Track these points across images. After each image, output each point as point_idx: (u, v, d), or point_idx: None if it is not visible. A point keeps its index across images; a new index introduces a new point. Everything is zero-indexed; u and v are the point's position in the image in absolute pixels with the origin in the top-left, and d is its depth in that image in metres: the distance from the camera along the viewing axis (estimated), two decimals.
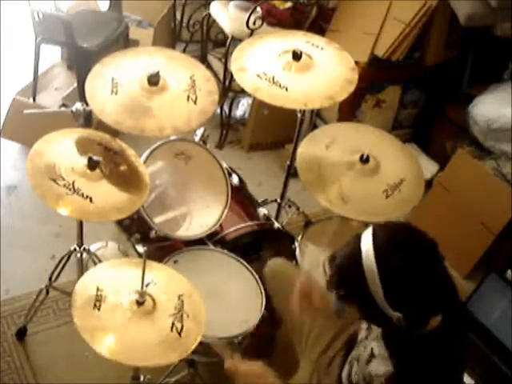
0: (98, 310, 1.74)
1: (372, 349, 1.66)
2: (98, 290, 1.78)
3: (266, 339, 2.33)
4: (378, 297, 1.49)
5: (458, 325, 1.62)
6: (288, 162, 2.69)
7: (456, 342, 1.62)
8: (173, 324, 1.78)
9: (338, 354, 1.97)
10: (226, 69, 3.58)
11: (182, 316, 1.80)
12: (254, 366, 1.78)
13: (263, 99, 2.32)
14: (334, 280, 1.59)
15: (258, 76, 2.33)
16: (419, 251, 1.52)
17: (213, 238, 2.41)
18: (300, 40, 2.48)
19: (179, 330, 1.77)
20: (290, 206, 2.97)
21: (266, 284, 2.24)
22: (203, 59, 3.90)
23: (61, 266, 2.51)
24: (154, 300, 1.80)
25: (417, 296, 1.50)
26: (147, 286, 1.80)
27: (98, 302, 1.75)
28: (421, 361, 1.56)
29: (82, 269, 2.50)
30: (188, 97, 2.25)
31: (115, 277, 1.89)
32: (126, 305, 1.77)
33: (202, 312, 1.86)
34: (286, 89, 2.30)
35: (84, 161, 2.05)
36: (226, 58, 3.55)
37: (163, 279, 1.90)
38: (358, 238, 1.56)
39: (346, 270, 1.56)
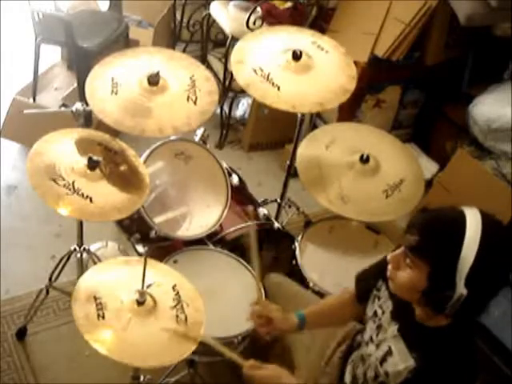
0: (103, 318, 1.73)
1: (389, 347, 1.64)
2: (95, 299, 1.75)
3: (264, 343, 2.32)
4: (462, 265, 1.45)
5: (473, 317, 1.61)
6: (288, 162, 2.69)
7: (471, 333, 1.61)
8: (177, 316, 1.78)
9: (335, 354, 1.96)
10: (226, 69, 3.58)
11: (182, 306, 1.81)
12: (270, 370, 1.76)
13: (253, 95, 2.31)
14: (421, 234, 1.51)
15: (254, 71, 2.32)
16: None
17: (213, 238, 2.41)
18: (306, 40, 2.45)
19: (184, 320, 1.78)
20: (290, 206, 2.97)
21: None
22: (203, 59, 3.90)
23: (61, 266, 2.51)
24: (152, 297, 1.79)
25: (496, 278, 1.50)
26: (148, 287, 1.80)
27: (100, 311, 1.73)
28: (443, 351, 1.55)
29: (82, 269, 2.50)
30: (188, 97, 2.25)
31: (107, 281, 1.86)
32: (128, 307, 1.76)
33: (198, 297, 1.87)
34: (278, 88, 2.29)
35: (84, 161, 2.05)
36: (226, 58, 3.56)
37: (152, 274, 1.87)
38: (459, 209, 1.52)
39: (445, 228, 1.50)
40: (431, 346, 1.56)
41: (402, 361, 1.59)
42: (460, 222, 1.48)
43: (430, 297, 1.54)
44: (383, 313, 1.72)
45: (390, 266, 1.60)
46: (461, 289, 1.47)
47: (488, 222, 1.49)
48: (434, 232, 1.51)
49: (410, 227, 1.54)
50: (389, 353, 1.64)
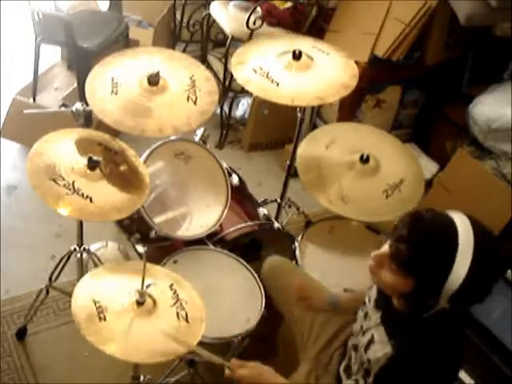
0: (105, 320, 1.72)
1: (372, 335, 1.66)
2: (94, 302, 1.75)
3: (266, 339, 2.33)
4: (450, 285, 1.43)
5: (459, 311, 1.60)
6: (288, 162, 2.69)
7: (456, 325, 1.61)
8: (177, 313, 1.79)
9: (337, 351, 1.97)
10: (226, 69, 3.58)
11: (181, 304, 1.81)
12: (251, 367, 1.76)
13: (252, 91, 2.32)
14: (412, 249, 1.47)
15: (254, 70, 2.33)
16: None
17: (213, 238, 2.41)
18: (307, 44, 2.46)
19: (185, 317, 1.78)
20: (290, 206, 2.97)
21: (265, 281, 2.24)
22: (203, 59, 3.90)
23: (61, 266, 2.51)
24: (151, 296, 1.79)
25: (484, 292, 1.50)
26: (148, 287, 1.80)
27: (100, 313, 1.73)
28: (420, 341, 1.55)
29: (82, 269, 2.50)
30: (188, 97, 2.25)
31: (104, 285, 1.86)
32: (128, 308, 1.76)
33: (196, 294, 1.88)
34: (278, 84, 2.30)
35: (84, 161, 2.05)
36: (226, 58, 3.56)
37: (147, 275, 1.86)
38: (451, 221, 1.47)
39: (436, 248, 1.45)
40: (409, 334, 1.57)
41: (381, 348, 1.61)
42: (452, 242, 1.44)
43: (410, 301, 1.55)
44: (369, 301, 1.75)
45: (372, 262, 1.58)
46: (444, 303, 1.48)
47: (480, 239, 1.45)
48: (424, 250, 1.46)
49: (399, 236, 1.49)
50: (371, 340, 1.66)
